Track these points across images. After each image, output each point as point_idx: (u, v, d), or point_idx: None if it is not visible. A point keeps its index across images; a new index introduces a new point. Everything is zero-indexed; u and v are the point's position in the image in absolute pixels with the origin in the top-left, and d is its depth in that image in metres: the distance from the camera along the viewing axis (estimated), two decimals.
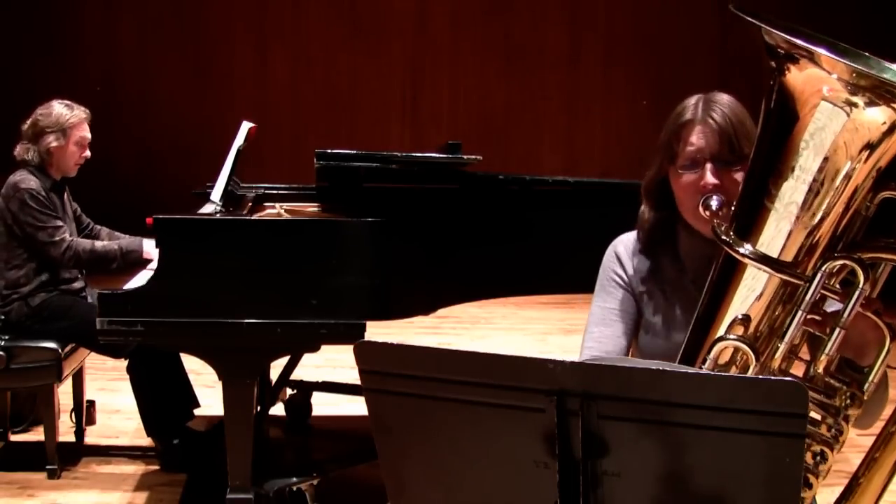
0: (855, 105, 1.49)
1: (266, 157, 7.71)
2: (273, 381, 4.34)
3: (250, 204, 3.98)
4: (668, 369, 1.31)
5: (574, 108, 9.33)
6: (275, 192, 4.33)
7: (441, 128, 8.97)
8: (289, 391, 4.45)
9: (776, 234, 1.59)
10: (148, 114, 8.94)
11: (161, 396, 4.06)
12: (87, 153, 4.13)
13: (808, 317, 1.59)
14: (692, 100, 1.92)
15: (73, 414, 4.27)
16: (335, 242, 3.18)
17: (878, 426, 1.76)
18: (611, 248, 2.05)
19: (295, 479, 3.45)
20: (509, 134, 9.14)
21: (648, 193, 1.98)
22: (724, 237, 1.64)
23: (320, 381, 4.54)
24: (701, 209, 1.80)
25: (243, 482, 3.19)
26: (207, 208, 3.85)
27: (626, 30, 9.28)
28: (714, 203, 1.77)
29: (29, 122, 4.06)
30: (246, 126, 4.06)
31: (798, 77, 1.53)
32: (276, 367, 4.15)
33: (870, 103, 1.48)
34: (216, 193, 3.88)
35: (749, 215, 1.63)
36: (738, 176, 1.82)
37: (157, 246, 3.17)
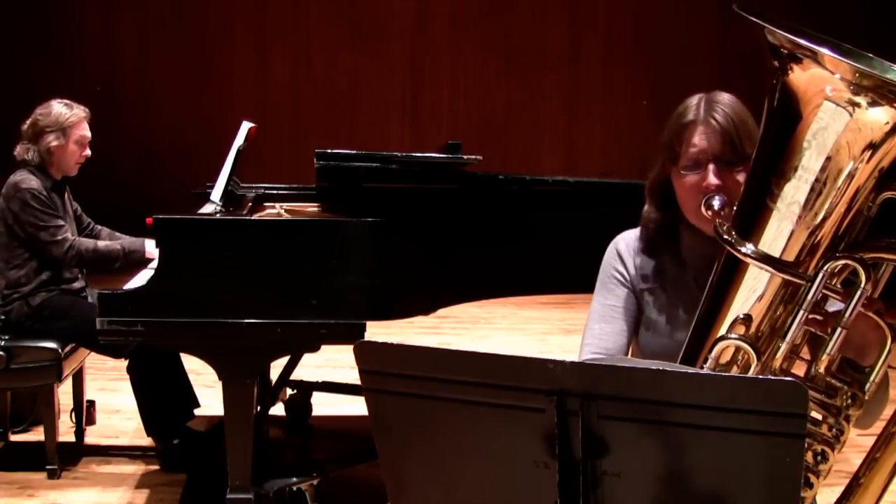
0: (858, 105, 1.49)
1: (266, 157, 7.71)
2: (273, 381, 4.34)
3: (250, 204, 3.98)
4: (668, 369, 1.31)
5: (574, 108, 9.33)
6: (275, 192, 4.33)
7: (441, 128, 8.98)
8: (289, 391, 4.45)
9: (778, 234, 1.59)
10: (148, 114, 8.94)
11: (161, 396, 4.06)
12: (88, 152, 4.13)
13: (810, 316, 1.59)
14: (694, 100, 1.91)
15: (73, 414, 4.27)
16: (335, 242, 3.18)
17: (878, 426, 1.75)
18: (612, 245, 2.05)
19: (295, 479, 3.45)
20: (509, 134, 9.15)
21: (652, 193, 1.98)
22: (726, 236, 1.64)
23: (320, 381, 4.54)
24: (703, 209, 1.80)
25: (243, 482, 3.19)
26: (207, 208, 3.84)
27: (626, 30, 9.28)
28: (716, 203, 1.77)
29: (28, 122, 4.06)
30: (246, 126, 4.06)
31: (801, 77, 1.53)
32: (276, 367, 4.15)
33: (873, 103, 1.48)
34: (216, 193, 3.88)
35: (751, 215, 1.63)
36: (741, 176, 1.82)
37: (157, 246, 3.17)
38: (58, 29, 8.83)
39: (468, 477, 1.43)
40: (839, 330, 1.58)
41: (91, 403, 4.45)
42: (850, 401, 1.63)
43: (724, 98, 1.90)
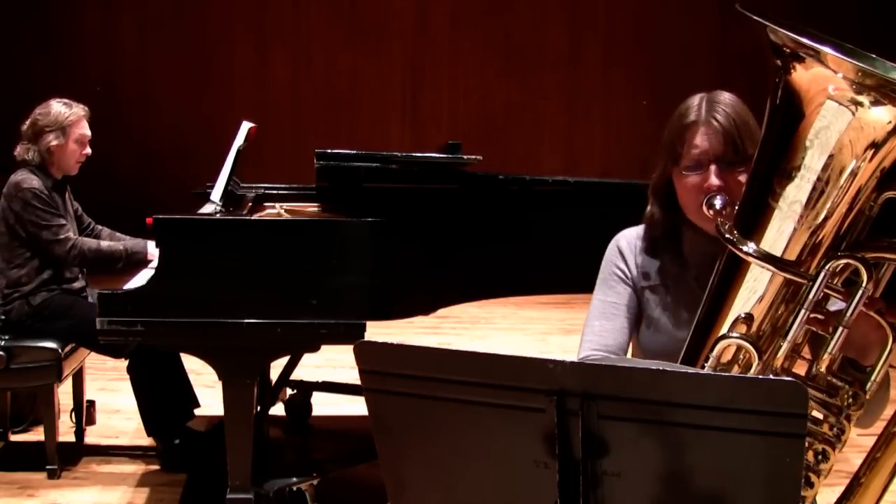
0: (860, 104, 1.49)
1: (266, 157, 7.71)
2: (273, 381, 4.34)
3: (250, 204, 3.98)
4: (668, 369, 1.31)
5: (574, 108, 9.33)
6: (275, 192, 4.33)
7: (441, 128, 8.98)
8: (289, 391, 4.45)
9: (780, 233, 1.59)
10: (148, 114, 8.94)
11: (161, 396, 4.06)
12: (88, 150, 4.12)
13: (811, 316, 1.59)
14: (695, 100, 1.91)
15: (73, 414, 4.26)
16: (335, 242, 3.17)
17: (879, 426, 1.75)
18: (613, 242, 2.05)
19: (295, 479, 3.45)
20: (509, 134, 9.15)
21: (656, 194, 1.97)
22: (727, 235, 1.64)
23: (320, 381, 4.54)
24: (704, 208, 1.80)
25: (243, 482, 3.19)
26: (207, 208, 3.84)
27: (626, 30, 9.28)
28: (718, 202, 1.77)
29: (28, 122, 4.06)
30: (246, 126, 4.06)
31: (803, 76, 1.53)
32: (276, 367, 4.14)
33: (875, 102, 1.48)
34: (216, 193, 3.87)
35: (753, 214, 1.63)
36: (742, 177, 1.82)
37: (156, 246, 3.17)
38: (58, 29, 8.83)
39: (468, 477, 1.42)
40: (840, 329, 1.58)
41: (91, 403, 4.45)
42: (851, 400, 1.63)
43: (726, 98, 1.89)
